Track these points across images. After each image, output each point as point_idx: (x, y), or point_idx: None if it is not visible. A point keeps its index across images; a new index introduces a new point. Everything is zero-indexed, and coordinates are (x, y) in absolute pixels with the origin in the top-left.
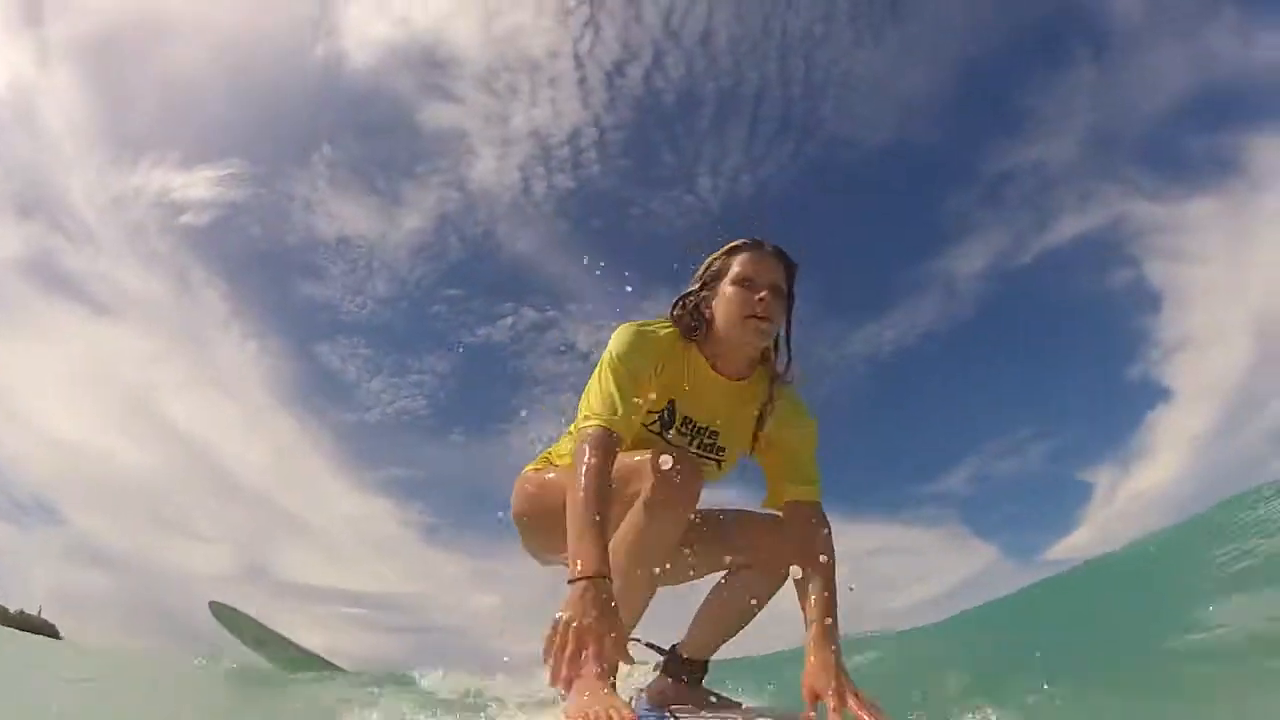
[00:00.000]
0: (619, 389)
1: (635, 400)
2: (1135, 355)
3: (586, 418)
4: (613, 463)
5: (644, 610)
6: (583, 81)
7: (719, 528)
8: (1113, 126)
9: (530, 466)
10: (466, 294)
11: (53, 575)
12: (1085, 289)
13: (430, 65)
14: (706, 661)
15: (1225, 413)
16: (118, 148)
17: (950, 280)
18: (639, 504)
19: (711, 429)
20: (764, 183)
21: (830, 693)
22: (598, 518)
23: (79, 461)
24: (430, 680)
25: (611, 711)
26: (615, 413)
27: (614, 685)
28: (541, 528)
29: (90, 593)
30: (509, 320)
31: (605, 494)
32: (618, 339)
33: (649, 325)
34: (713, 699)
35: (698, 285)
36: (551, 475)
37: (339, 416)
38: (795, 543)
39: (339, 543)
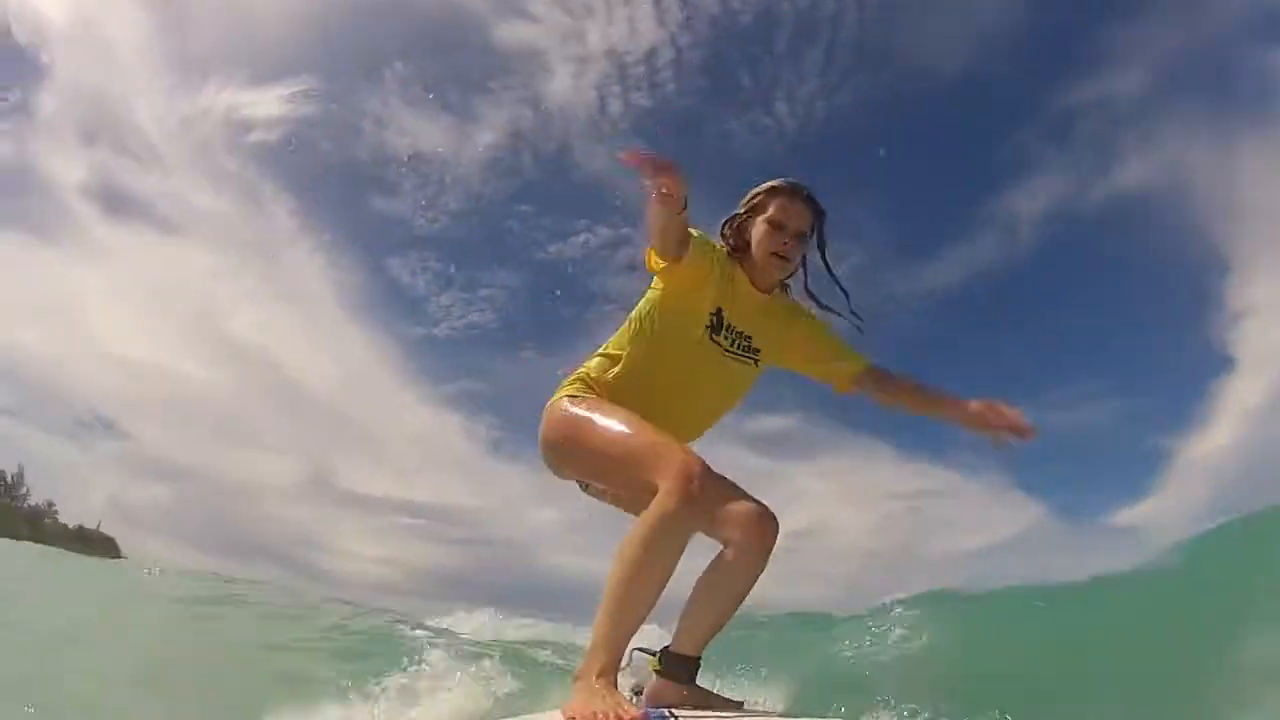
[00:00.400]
0: (701, 244)
1: (695, 265)
2: (1200, 316)
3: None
4: (686, 222)
5: (649, 612)
6: (658, 0)
7: (716, 494)
8: (1184, 63)
9: (564, 392)
10: (539, 210)
11: (113, 488)
12: (1146, 239)
13: None
14: (699, 657)
15: None
16: (185, 69)
17: (1011, 220)
18: (656, 505)
19: (748, 334)
20: (839, 110)
21: (1003, 409)
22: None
23: (143, 377)
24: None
25: (619, 710)
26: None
27: (616, 684)
28: (570, 464)
29: (151, 504)
30: (582, 238)
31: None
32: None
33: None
34: (713, 698)
35: (742, 211)
36: (581, 412)
37: (408, 330)
38: (887, 395)
39: (403, 455)
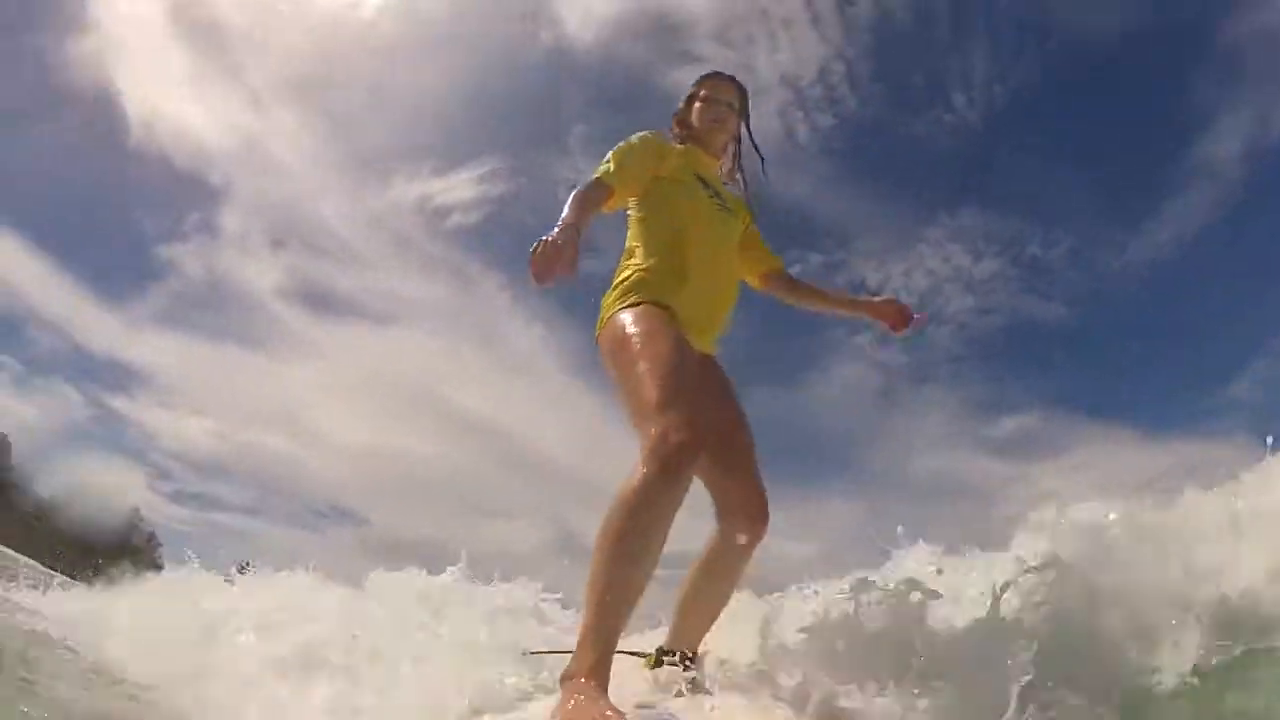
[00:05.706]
0: (624, 155)
1: (637, 169)
2: None
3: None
4: (598, 201)
5: (639, 598)
6: (815, 19)
7: (730, 461)
8: None
9: (625, 301)
10: None
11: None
12: None
13: (661, 30)
14: (696, 652)
15: None
16: (362, 169)
17: (1212, 166)
18: (632, 475)
19: (721, 193)
20: (1015, 89)
21: (898, 304)
22: (582, 206)
23: (375, 463)
24: None
25: (605, 716)
26: (610, 172)
27: (606, 684)
28: (612, 372)
29: None
30: (796, 268)
31: (590, 203)
32: (639, 134)
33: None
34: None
35: (682, 104)
36: (631, 326)
37: None
38: (795, 295)
39: None
